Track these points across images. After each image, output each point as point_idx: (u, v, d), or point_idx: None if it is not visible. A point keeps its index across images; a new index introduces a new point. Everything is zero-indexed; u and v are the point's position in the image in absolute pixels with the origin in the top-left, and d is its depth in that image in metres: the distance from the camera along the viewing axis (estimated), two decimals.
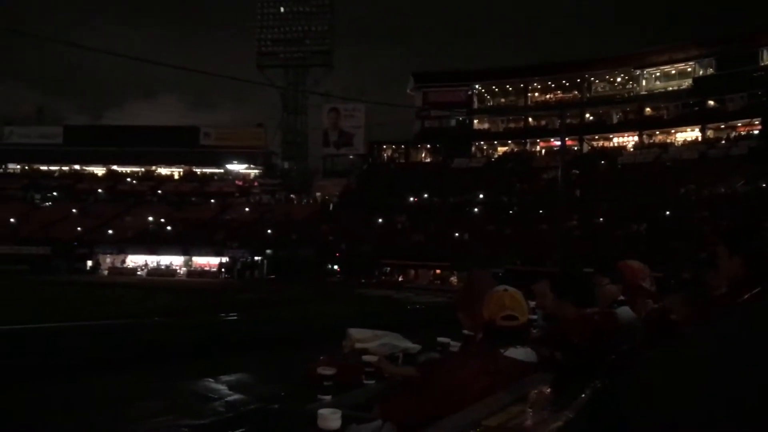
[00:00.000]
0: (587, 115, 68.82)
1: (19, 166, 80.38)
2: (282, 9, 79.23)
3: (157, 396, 8.51)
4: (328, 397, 3.61)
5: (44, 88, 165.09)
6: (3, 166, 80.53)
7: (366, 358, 4.19)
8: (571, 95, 70.77)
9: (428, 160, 73.70)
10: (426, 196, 62.48)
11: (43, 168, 79.49)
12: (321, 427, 2.65)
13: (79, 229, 61.17)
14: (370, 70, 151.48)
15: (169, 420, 7.07)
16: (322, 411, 2.71)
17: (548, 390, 2.57)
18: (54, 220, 64.37)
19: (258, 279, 51.33)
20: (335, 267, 52.37)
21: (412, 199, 62.17)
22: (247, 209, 66.87)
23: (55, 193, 72.74)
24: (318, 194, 72.17)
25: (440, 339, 4.85)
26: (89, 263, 55.05)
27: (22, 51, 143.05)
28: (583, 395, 2.25)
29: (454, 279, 47.66)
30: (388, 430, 3.05)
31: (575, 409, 2.11)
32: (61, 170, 79.66)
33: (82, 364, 9.85)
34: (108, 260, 56.30)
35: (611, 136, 68.66)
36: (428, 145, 74.43)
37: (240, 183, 76.03)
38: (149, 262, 55.82)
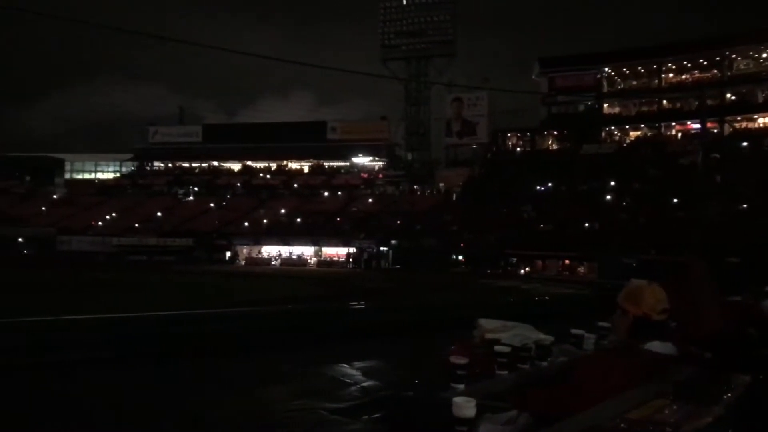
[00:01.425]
0: (728, 95, 64.15)
1: (163, 164, 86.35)
2: (404, 1, 79.65)
3: (294, 380, 8.92)
4: (461, 386, 3.64)
5: (185, 90, 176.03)
6: (149, 164, 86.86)
7: (498, 348, 4.19)
8: (709, 74, 66.21)
9: (555, 147, 71.63)
10: (553, 184, 60.84)
11: (185, 165, 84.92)
12: (456, 415, 2.68)
13: (217, 221, 64.87)
14: (494, 57, 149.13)
15: (307, 403, 7.40)
16: (457, 399, 2.74)
17: (693, 384, 2.48)
18: (195, 213, 68.71)
19: (383, 269, 52.22)
20: (460, 257, 52.24)
21: (538, 187, 60.77)
22: (371, 201, 68.12)
23: (196, 188, 77.52)
24: (441, 185, 72.17)
25: (574, 331, 4.75)
26: (228, 254, 58.31)
27: (166, 55, 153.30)
28: (733, 390, 2.16)
29: (582, 269, 46.19)
30: (524, 421, 3.05)
31: (725, 405, 2.03)
32: (201, 167, 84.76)
33: (225, 348, 10.48)
34: (245, 251, 59.37)
35: (756, 116, 63.55)
36: (555, 132, 72.30)
37: (365, 175, 77.54)
38: (282, 253, 58.26)
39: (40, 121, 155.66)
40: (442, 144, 79.31)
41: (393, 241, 54.95)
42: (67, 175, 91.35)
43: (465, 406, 2.67)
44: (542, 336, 4.75)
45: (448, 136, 77.51)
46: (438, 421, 2.92)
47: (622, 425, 2.03)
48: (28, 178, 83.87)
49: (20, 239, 61.23)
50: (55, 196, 77.57)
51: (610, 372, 2.73)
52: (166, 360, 9.78)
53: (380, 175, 77.18)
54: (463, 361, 3.66)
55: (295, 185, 76.37)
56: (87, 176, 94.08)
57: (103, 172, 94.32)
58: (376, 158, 79.72)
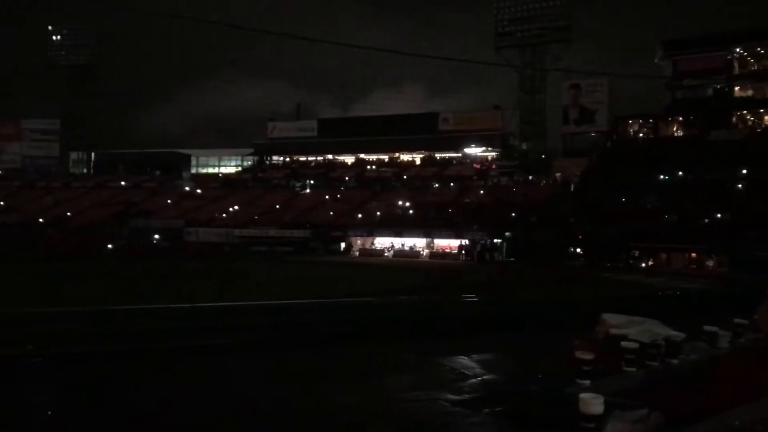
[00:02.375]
0: None
1: (281, 158, 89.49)
2: None
3: (415, 370, 9.02)
4: (587, 382, 3.56)
5: (304, 86, 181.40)
6: (269, 158, 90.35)
7: (626, 344, 4.06)
8: None
9: (680, 133, 67.81)
10: (679, 173, 57.67)
11: (302, 158, 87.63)
12: (583, 412, 2.63)
13: (332, 213, 66.44)
14: (612, 41, 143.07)
15: (428, 393, 7.46)
16: (584, 396, 2.69)
17: None
18: (311, 205, 70.74)
19: (497, 261, 51.58)
20: (578, 250, 50.68)
21: (662, 176, 57.81)
22: (484, 192, 67.38)
23: (312, 181, 79.77)
24: (558, 174, 70.18)
25: (707, 328, 4.53)
26: (342, 245, 59.65)
27: (286, 52, 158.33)
28: None
29: (711, 263, 43.66)
30: (656, 420, 2.95)
31: None
32: (316, 160, 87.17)
33: (349, 336, 10.74)
34: (358, 242, 60.49)
35: None
36: (680, 118, 68.40)
37: (478, 166, 76.80)
38: (395, 244, 58.88)
39: (169, 119, 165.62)
40: (559, 132, 77.18)
41: (507, 233, 54.12)
42: (193, 170, 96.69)
43: (593, 403, 2.62)
44: (672, 332, 4.56)
45: (565, 125, 75.31)
46: (563, 417, 2.86)
47: (762, 430, 1.92)
48: (158, 173, 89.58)
49: (152, 231, 65.46)
50: (184, 190, 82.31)
51: (750, 372, 2.59)
52: (295, 348, 10.17)
53: (493, 166, 76.19)
54: (589, 356, 3.58)
55: (407, 177, 76.86)
56: (211, 171, 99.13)
57: (226, 166, 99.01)
58: (489, 148, 78.75)
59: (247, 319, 11.39)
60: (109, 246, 56.06)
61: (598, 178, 59.28)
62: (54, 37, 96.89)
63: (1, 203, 78.32)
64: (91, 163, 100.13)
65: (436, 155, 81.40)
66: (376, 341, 10.48)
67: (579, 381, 3.47)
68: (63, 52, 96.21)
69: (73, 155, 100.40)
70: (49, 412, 7.62)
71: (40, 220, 70.59)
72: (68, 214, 72.69)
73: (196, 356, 9.76)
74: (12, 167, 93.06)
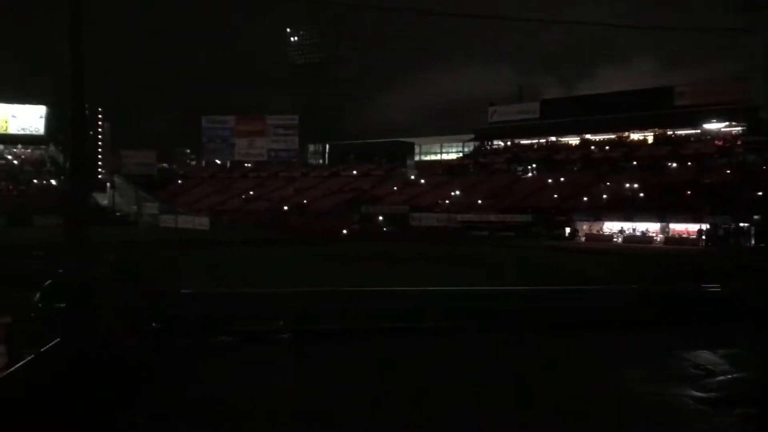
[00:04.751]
0: None
1: (502, 142, 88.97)
2: None
3: (655, 362, 8.51)
4: None
5: (525, 68, 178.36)
6: (489, 143, 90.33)
7: None
8: None
9: None
10: None
11: (523, 142, 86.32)
12: None
13: (556, 196, 64.75)
14: None
15: (669, 388, 7.00)
16: None
17: None
18: (534, 189, 69.55)
19: (744, 247, 46.61)
20: None
21: None
22: (728, 171, 61.09)
23: (534, 165, 78.30)
24: None
25: None
26: (567, 230, 57.83)
27: (508, 35, 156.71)
28: None
29: None
30: None
31: None
32: (538, 143, 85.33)
33: (583, 324, 10.45)
34: (584, 227, 58.21)
35: None
36: None
37: (719, 143, 69.74)
38: (625, 229, 55.81)
39: (395, 109, 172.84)
40: None
41: (756, 216, 48.61)
42: (417, 158, 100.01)
43: None
44: None
45: None
46: None
47: None
48: (384, 161, 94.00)
49: (380, 217, 69.02)
50: (408, 177, 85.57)
51: None
52: (529, 334, 10.12)
53: (739, 142, 68.69)
54: None
55: (638, 157, 72.20)
56: (433, 158, 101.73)
57: (447, 153, 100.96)
58: (733, 123, 71.12)
59: (488, 303, 11.51)
60: (344, 231, 60.08)
61: None
62: (291, 39, 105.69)
63: (251, 192, 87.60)
64: (326, 154, 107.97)
65: (670, 133, 75.39)
66: (614, 330, 10.04)
67: None
68: (299, 52, 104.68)
69: (311, 147, 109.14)
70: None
71: (284, 207, 77.86)
72: (303, 201, 79.31)
73: (443, 336, 10.08)
74: (259, 159, 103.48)
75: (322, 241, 48.05)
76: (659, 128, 75.93)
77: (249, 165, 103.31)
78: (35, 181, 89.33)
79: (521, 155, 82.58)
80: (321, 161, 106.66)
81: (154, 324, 9.64)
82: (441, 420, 6.52)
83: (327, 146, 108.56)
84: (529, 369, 8.53)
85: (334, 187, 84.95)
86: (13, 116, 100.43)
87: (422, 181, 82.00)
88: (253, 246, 41.60)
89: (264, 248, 39.86)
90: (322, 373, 8.48)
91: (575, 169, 73.67)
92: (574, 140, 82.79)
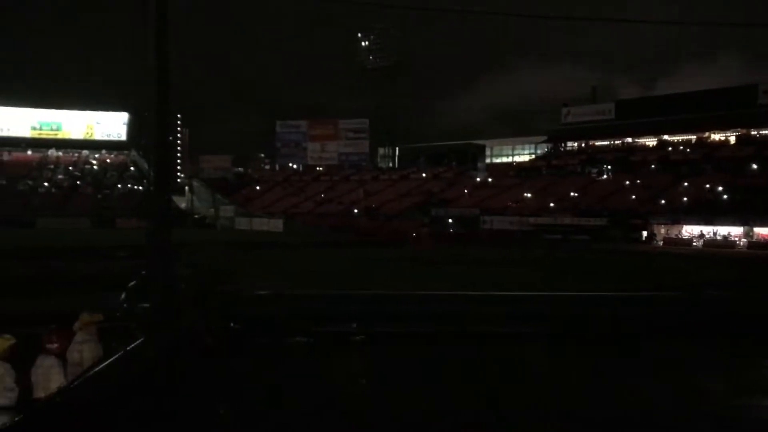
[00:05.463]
0: None
1: (576, 144, 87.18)
2: None
3: (738, 373, 8.19)
4: None
5: (601, 68, 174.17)
6: (563, 145, 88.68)
7: None
8: None
9: None
10: None
11: (598, 143, 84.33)
12: None
13: (632, 198, 62.97)
14: None
15: (755, 402, 6.73)
16: None
17: None
18: (609, 192, 67.81)
19: None
20: None
21: None
22: None
23: (609, 166, 76.38)
24: None
25: None
26: (644, 233, 56.14)
27: (582, 35, 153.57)
28: None
29: None
30: None
31: None
32: (613, 144, 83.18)
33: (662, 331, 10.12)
34: (662, 230, 56.40)
35: None
36: None
37: None
38: (705, 233, 53.75)
39: (466, 111, 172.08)
40: None
41: None
42: (488, 160, 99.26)
43: None
44: None
45: None
46: None
47: None
48: (454, 163, 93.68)
49: (449, 219, 68.80)
50: (477, 180, 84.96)
51: None
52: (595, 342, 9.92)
53: None
54: None
55: (719, 158, 69.32)
56: (505, 160, 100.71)
57: (519, 154, 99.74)
58: None
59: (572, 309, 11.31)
60: (414, 234, 60.24)
61: None
62: (362, 44, 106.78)
63: (323, 195, 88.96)
64: (396, 157, 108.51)
65: (754, 132, 72.07)
66: (691, 337, 9.70)
67: None
68: (370, 57, 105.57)
69: (380, 150, 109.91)
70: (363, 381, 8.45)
71: (354, 210, 78.70)
72: (372, 204, 79.94)
73: (528, 344, 9.99)
74: (330, 163, 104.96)
75: (394, 243, 48.28)
76: (742, 128, 72.71)
77: (321, 168, 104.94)
78: (118, 185, 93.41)
79: (596, 156, 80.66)
80: (390, 164, 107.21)
81: (232, 324, 9.98)
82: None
83: (397, 149, 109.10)
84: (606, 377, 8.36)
85: (403, 190, 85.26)
86: (98, 123, 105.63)
87: (493, 183, 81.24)
88: (330, 248, 42.23)
89: (343, 250, 40.43)
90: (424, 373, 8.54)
91: (652, 170, 71.34)
92: (651, 141, 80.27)
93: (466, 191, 79.23)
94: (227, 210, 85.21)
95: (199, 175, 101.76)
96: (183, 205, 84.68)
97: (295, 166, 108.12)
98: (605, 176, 74.55)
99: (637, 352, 9.55)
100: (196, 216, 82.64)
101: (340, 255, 37.49)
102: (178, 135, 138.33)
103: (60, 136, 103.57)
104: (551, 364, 9.19)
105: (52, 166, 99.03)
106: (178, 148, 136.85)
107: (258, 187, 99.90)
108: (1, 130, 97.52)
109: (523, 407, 6.98)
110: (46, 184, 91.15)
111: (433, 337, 10.31)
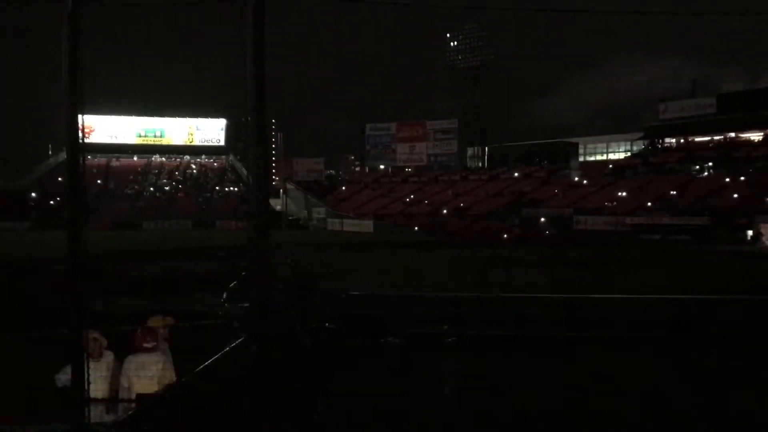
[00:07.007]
0: None
1: (674, 140, 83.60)
2: None
3: None
4: None
5: (702, 61, 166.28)
6: (660, 141, 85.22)
7: None
8: None
9: None
10: None
11: (698, 139, 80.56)
12: None
13: (735, 196, 59.89)
14: None
15: None
16: None
17: None
18: (710, 190, 64.71)
19: None
20: None
21: None
22: None
23: (710, 163, 72.83)
24: None
25: None
26: (749, 233, 53.22)
27: (679, 28, 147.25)
28: None
29: None
30: None
31: None
32: (714, 140, 79.27)
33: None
34: None
35: None
36: None
37: None
38: None
39: (559, 109, 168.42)
40: None
41: None
42: (581, 158, 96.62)
43: None
44: None
45: None
46: None
47: None
48: (545, 162, 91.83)
49: (542, 219, 67.54)
50: (572, 178, 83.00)
51: None
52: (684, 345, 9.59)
53: None
54: None
55: None
56: (599, 158, 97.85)
57: (614, 152, 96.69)
58: None
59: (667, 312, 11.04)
60: (504, 235, 59.51)
61: None
62: (451, 44, 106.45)
63: (412, 196, 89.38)
64: (485, 157, 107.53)
65: None
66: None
67: None
68: (459, 57, 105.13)
69: (469, 151, 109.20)
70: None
71: (443, 210, 78.63)
72: (461, 205, 79.55)
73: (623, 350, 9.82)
74: (419, 164, 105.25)
75: (484, 244, 47.96)
76: None
77: (410, 170, 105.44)
78: (217, 188, 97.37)
79: (696, 153, 77.06)
80: (480, 164, 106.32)
81: (327, 324, 10.30)
82: None
83: (486, 149, 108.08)
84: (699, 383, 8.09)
85: (493, 190, 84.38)
86: (198, 129, 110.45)
87: (586, 182, 79.10)
88: (423, 249, 42.38)
89: (435, 252, 40.51)
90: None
91: (758, 167, 67.43)
92: (756, 136, 75.93)
93: (557, 191, 77.56)
94: (319, 212, 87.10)
95: (292, 177, 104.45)
96: (278, 208, 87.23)
97: (383, 168, 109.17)
98: (706, 173, 71.15)
99: None
100: (290, 218, 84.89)
101: (434, 256, 37.63)
102: (273, 139, 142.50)
103: (163, 142, 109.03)
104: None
105: (156, 171, 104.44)
106: (273, 151, 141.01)
107: (348, 189, 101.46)
108: (110, 137, 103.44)
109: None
110: (151, 188, 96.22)
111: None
